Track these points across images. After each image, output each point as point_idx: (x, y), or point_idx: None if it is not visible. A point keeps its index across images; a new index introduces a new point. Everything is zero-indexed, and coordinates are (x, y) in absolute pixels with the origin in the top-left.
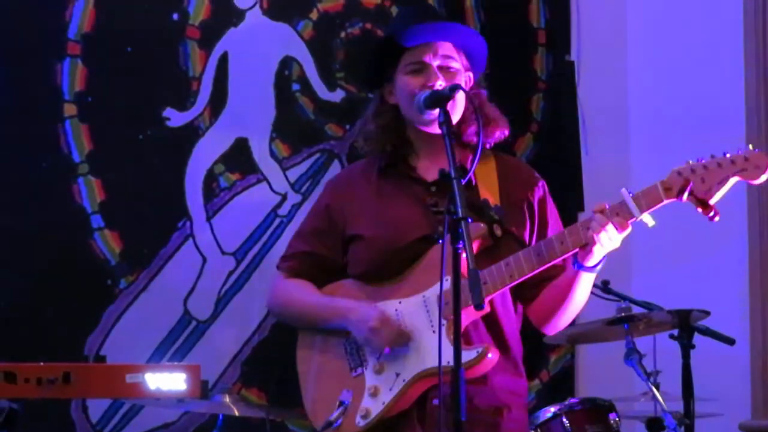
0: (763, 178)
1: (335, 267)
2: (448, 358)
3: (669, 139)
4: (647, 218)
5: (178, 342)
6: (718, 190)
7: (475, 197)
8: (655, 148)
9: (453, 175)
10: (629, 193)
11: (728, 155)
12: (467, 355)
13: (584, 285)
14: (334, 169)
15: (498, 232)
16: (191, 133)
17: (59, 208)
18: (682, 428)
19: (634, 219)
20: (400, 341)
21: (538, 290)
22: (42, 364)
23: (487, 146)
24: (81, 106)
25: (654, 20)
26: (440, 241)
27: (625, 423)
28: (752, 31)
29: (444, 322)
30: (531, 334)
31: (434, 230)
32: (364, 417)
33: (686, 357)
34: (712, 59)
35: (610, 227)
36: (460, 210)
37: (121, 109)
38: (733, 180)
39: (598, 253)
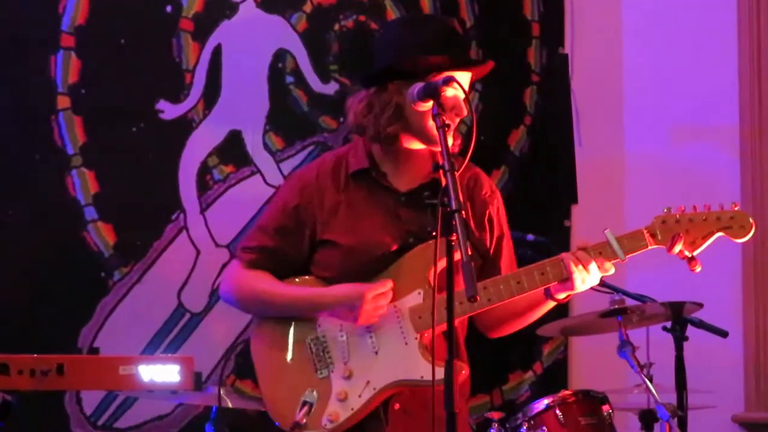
0: (746, 238)
1: (296, 264)
2: (421, 372)
3: (663, 132)
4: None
5: (172, 334)
6: (701, 244)
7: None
8: (649, 141)
9: (446, 167)
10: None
11: (714, 211)
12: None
13: (543, 311)
14: None
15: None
16: (185, 126)
17: (53, 201)
18: (675, 420)
19: (617, 261)
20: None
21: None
22: (36, 355)
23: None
24: (74, 99)
25: (648, 12)
26: (434, 233)
27: (618, 415)
28: (747, 22)
29: (417, 336)
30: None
31: (404, 242)
32: (331, 421)
33: (679, 349)
34: (707, 52)
35: (592, 266)
36: (453, 202)
37: (114, 101)
38: (717, 235)
39: (577, 289)
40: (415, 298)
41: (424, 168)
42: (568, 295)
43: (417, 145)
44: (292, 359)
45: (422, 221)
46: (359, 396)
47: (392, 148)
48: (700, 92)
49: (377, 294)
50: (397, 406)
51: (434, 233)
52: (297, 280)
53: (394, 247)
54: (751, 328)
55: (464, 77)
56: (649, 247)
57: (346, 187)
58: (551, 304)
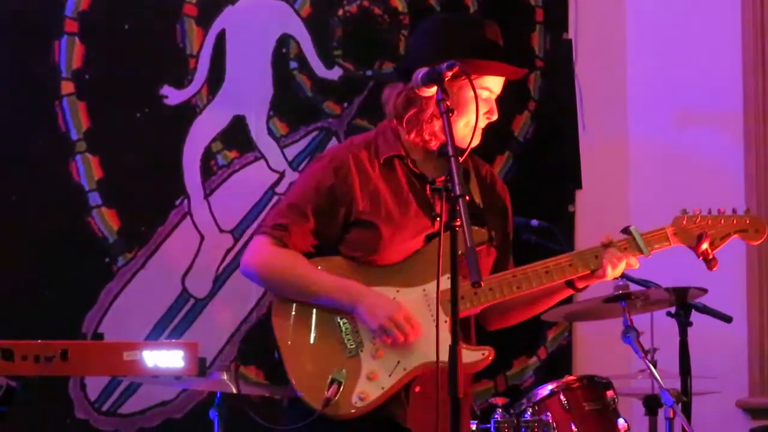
0: (761, 241)
1: (326, 246)
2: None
3: (667, 117)
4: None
5: (176, 319)
6: (720, 245)
7: (471, 202)
8: (653, 126)
9: (451, 153)
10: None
11: (730, 215)
12: (473, 356)
13: (560, 299)
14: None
15: (491, 234)
16: (189, 111)
17: (57, 186)
18: (680, 405)
19: (642, 256)
20: (414, 339)
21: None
22: (40, 341)
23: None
24: (78, 84)
25: None
26: (438, 218)
27: (622, 400)
28: (751, 8)
29: (446, 319)
30: None
31: (435, 228)
32: (362, 399)
33: (683, 334)
34: (711, 37)
35: (623, 263)
36: (457, 188)
37: (118, 86)
38: (734, 237)
39: (601, 280)
40: (444, 283)
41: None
42: (587, 285)
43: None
44: (319, 337)
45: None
46: (390, 376)
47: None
48: (704, 78)
49: (409, 322)
50: (417, 388)
51: (437, 186)
52: (321, 261)
53: (426, 233)
54: (755, 313)
55: (499, 82)
56: (672, 245)
57: (380, 170)
58: (568, 292)
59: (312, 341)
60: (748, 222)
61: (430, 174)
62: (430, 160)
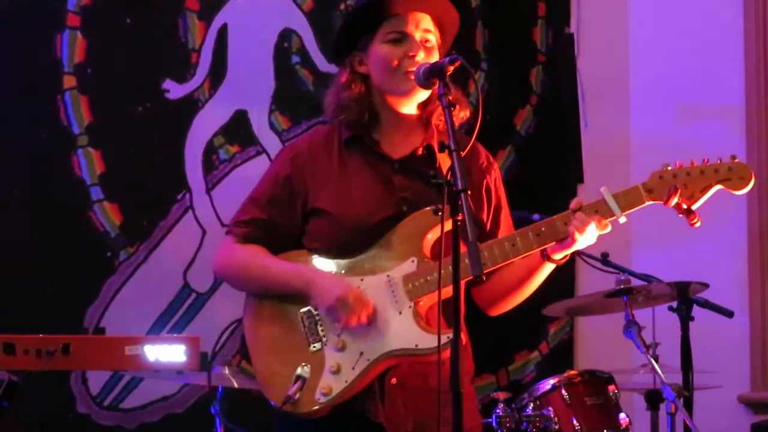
0: (746, 189)
1: (291, 237)
2: (416, 341)
3: (669, 111)
4: (621, 218)
5: (178, 314)
6: (700, 197)
7: (440, 177)
8: (655, 121)
9: (453, 147)
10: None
11: (711, 163)
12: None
13: (544, 275)
14: None
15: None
16: (191, 105)
17: (59, 180)
18: (681, 400)
19: (614, 218)
20: (366, 319)
21: (490, 273)
22: (42, 335)
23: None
24: (81, 78)
25: None
26: (439, 213)
27: (624, 395)
28: (753, 4)
29: (411, 304)
30: (529, 306)
31: (398, 210)
32: (325, 394)
33: (685, 329)
34: (713, 31)
35: (590, 226)
36: (459, 182)
37: (120, 80)
38: (716, 188)
39: (574, 248)
40: (408, 267)
41: (415, 134)
42: (566, 256)
43: (405, 109)
44: (284, 334)
45: (416, 189)
46: (353, 368)
47: (382, 115)
48: (706, 72)
49: (360, 300)
50: (393, 380)
51: (439, 181)
52: (288, 255)
53: (387, 215)
54: (756, 307)
55: (426, 19)
56: (646, 203)
57: (339, 154)
58: (550, 267)
59: (277, 339)
60: (729, 169)
61: (396, 153)
62: (395, 139)
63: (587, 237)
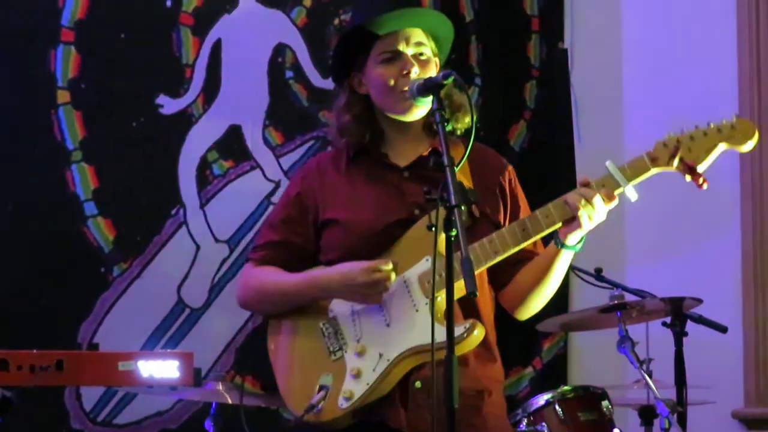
0: (749, 145)
1: (306, 255)
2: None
3: (663, 127)
4: (631, 192)
5: (172, 330)
6: (705, 158)
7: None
8: (649, 137)
9: (446, 162)
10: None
11: (714, 125)
12: (455, 331)
13: (563, 264)
14: None
15: (476, 212)
16: (184, 121)
17: (52, 196)
18: (675, 416)
19: (620, 189)
20: (394, 267)
21: (513, 273)
22: (35, 351)
23: (458, 132)
24: (74, 93)
25: (648, 7)
26: (432, 228)
27: (617, 411)
28: (746, 17)
29: (427, 301)
30: (523, 323)
31: (410, 214)
32: (347, 399)
33: (679, 345)
34: (707, 47)
35: (596, 199)
36: (453, 198)
37: (114, 96)
38: (721, 147)
39: (585, 227)
40: (423, 265)
41: (421, 140)
42: (581, 239)
43: (409, 120)
44: (305, 347)
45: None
46: (373, 370)
47: (387, 130)
48: (699, 87)
49: (374, 267)
50: (417, 384)
51: (433, 197)
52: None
53: (399, 219)
54: (750, 323)
55: (418, 33)
56: (652, 171)
57: (347, 170)
58: (567, 254)
59: (299, 353)
60: (732, 128)
61: (403, 162)
62: (401, 149)
63: (595, 213)
